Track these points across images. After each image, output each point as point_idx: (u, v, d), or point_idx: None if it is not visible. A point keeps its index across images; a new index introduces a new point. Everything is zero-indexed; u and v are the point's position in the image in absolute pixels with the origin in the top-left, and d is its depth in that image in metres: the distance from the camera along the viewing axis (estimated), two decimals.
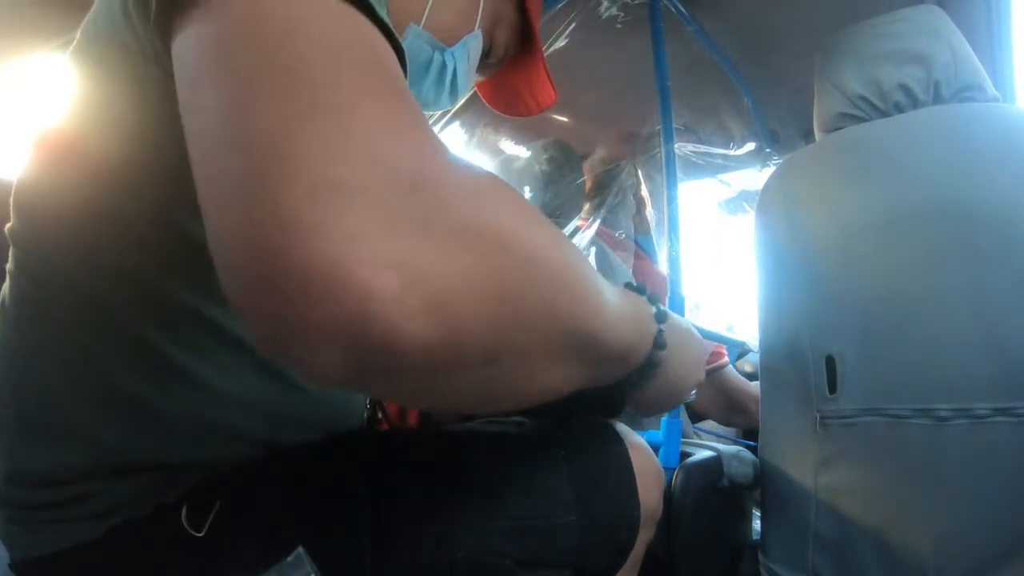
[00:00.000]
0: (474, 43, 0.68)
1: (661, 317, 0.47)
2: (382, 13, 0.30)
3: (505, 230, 0.27)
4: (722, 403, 1.44)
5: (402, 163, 0.24)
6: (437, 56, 0.65)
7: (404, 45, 0.62)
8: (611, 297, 0.37)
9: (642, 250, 1.52)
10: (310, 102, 0.24)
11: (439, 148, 0.27)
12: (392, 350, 0.22)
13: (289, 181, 0.22)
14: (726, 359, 1.46)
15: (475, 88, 0.85)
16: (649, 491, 0.59)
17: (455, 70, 0.67)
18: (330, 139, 0.23)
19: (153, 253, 0.41)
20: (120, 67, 0.39)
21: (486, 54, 0.72)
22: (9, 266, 0.45)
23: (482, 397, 0.31)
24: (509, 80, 0.80)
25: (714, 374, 1.40)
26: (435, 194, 0.25)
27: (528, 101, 0.81)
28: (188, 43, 0.29)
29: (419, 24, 0.62)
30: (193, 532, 0.41)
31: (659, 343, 0.46)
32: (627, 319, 0.40)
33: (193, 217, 0.40)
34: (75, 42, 0.46)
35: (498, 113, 0.88)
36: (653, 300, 0.48)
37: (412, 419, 0.76)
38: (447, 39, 0.64)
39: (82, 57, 0.44)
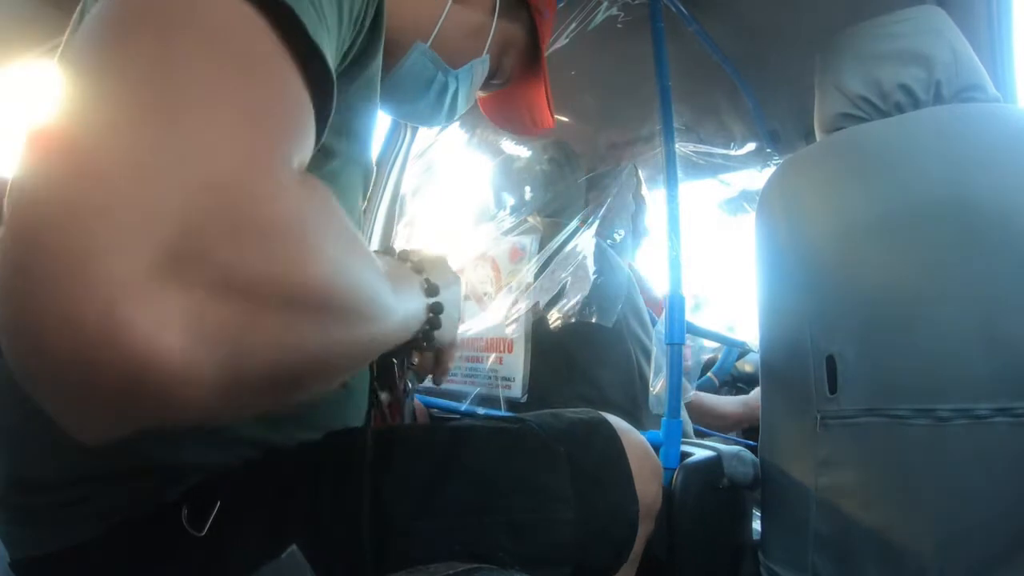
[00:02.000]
0: (480, 68, 0.68)
1: (431, 291, 0.49)
2: None
3: (315, 287, 0.23)
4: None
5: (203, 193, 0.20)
6: (440, 77, 0.65)
7: (407, 63, 0.62)
8: (394, 300, 0.34)
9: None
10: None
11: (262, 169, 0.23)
12: (171, 408, 0.19)
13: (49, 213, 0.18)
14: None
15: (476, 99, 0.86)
16: (647, 486, 0.60)
17: (456, 92, 0.67)
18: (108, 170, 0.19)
19: None
20: None
21: (491, 76, 0.72)
22: None
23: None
24: (512, 98, 0.80)
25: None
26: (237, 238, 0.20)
27: (527, 122, 0.82)
28: None
29: (427, 43, 0.62)
30: (194, 532, 0.41)
31: (435, 311, 0.49)
32: (407, 310, 0.42)
33: None
34: (63, 46, 0.46)
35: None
36: (419, 268, 0.51)
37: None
38: (453, 61, 0.65)
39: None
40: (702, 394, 1.58)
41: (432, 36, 0.62)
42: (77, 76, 0.22)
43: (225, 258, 0.19)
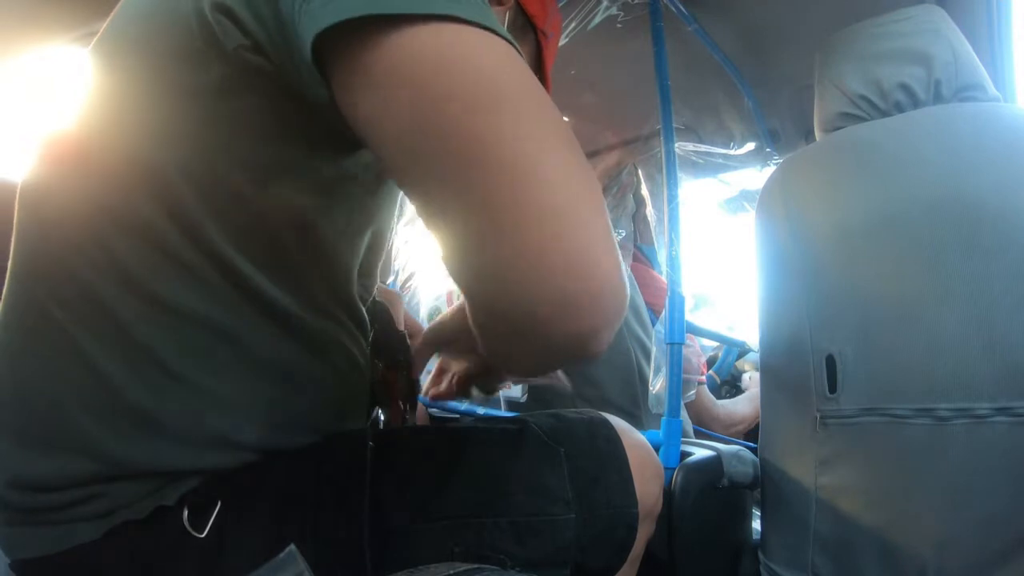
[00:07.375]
0: None
1: None
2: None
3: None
4: (691, 418, 1.48)
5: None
6: None
7: None
8: None
9: (644, 257, 1.54)
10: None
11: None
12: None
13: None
14: (703, 378, 1.52)
15: None
16: (648, 487, 0.59)
17: None
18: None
19: (170, 261, 0.41)
20: (167, 71, 0.40)
21: None
22: (11, 266, 0.45)
23: None
24: None
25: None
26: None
27: None
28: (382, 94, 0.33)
29: None
30: (195, 533, 0.41)
31: None
32: None
33: (213, 225, 0.41)
34: (100, 38, 0.45)
35: None
36: None
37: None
38: None
39: (112, 56, 0.44)
40: (715, 401, 1.57)
41: None
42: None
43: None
